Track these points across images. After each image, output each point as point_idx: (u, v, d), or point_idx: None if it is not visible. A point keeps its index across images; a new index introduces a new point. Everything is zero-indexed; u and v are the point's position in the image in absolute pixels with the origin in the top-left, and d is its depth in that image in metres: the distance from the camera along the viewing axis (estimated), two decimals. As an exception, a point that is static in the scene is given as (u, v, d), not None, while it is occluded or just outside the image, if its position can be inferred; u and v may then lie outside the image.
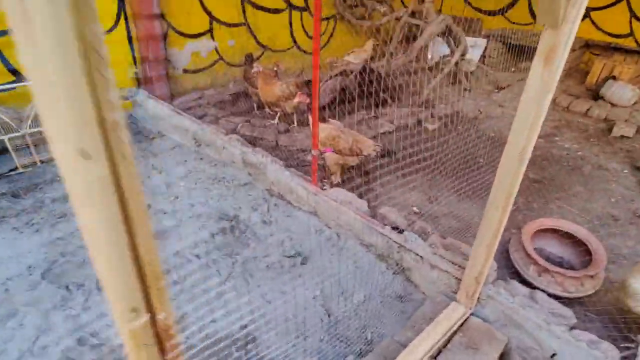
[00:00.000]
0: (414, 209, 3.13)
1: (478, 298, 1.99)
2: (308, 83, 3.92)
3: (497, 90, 5.45)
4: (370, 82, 4.40)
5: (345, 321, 2.16)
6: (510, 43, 6.31)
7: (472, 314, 2.01)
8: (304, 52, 6.03)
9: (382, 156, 3.53)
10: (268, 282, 2.41)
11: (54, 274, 2.41)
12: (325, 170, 3.23)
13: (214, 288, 2.34)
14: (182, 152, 3.95)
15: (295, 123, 4.26)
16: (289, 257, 2.60)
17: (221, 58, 5.18)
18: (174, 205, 3.10)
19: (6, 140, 3.44)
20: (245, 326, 2.13)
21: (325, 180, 3.20)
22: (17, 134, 3.46)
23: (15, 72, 3.80)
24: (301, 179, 2.89)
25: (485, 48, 6.48)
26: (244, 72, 4.75)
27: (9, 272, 2.37)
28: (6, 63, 3.70)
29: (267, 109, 4.44)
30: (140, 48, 4.41)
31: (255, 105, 4.77)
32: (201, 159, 3.82)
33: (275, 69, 4.10)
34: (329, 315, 2.20)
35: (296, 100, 2.90)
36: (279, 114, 4.21)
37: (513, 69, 6.26)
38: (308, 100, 2.93)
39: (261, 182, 3.32)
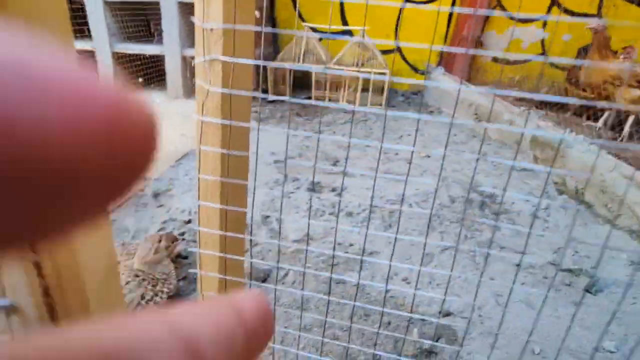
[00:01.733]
0: None
1: None
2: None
3: None
4: None
5: None
6: None
7: None
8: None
9: None
10: (511, 284, 1.42)
11: (283, 165, 2.32)
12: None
13: (427, 251, 1.58)
14: (454, 127, 3.34)
15: (626, 133, 2.81)
16: (564, 270, 1.50)
17: (544, 53, 4.20)
18: (419, 160, 2.52)
19: (312, 75, 3.85)
20: (449, 314, 1.27)
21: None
22: (321, 70, 3.81)
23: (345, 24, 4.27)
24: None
25: None
26: (568, 72, 3.61)
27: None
28: (343, 16, 4.21)
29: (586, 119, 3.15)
30: (457, 22, 4.10)
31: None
32: (474, 136, 3.07)
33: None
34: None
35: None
36: (606, 114, 2.89)
37: None
38: None
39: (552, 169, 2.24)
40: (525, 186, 2.21)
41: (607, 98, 2.74)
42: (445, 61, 4.28)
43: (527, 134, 2.43)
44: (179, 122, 3.14)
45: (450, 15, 4.11)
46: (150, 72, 4.08)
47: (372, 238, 1.63)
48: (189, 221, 1.72)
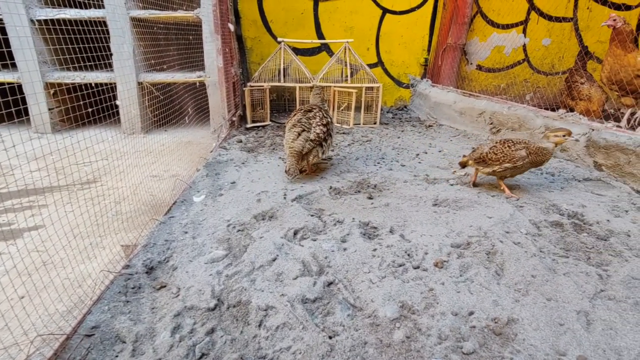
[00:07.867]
0: None
1: None
2: None
3: None
4: None
5: None
6: None
7: None
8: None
9: None
10: None
11: (305, 203, 1.78)
12: None
13: (571, 302, 1.13)
14: (469, 140, 3.01)
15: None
16: None
17: (527, 60, 4.12)
18: (460, 179, 2.12)
19: (297, 94, 3.38)
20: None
21: None
22: (307, 84, 3.37)
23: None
24: None
25: None
26: (568, 77, 3.48)
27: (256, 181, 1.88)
28: (319, 30, 3.82)
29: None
30: (440, 31, 3.89)
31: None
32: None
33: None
34: None
35: None
36: (629, 112, 2.72)
37: None
38: None
39: (625, 177, 1.94)
40: (597, 197, 1.88)
41: (634, 93, 2.55)
42: (431, 72, 4.04)
43: (581, 139, 2.12)
44: (147, 162, 2.47)
45: (433, 23, 3.90)
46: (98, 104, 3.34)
47: (495, 297, 1.14)
48: (216, 307, 1.12)
